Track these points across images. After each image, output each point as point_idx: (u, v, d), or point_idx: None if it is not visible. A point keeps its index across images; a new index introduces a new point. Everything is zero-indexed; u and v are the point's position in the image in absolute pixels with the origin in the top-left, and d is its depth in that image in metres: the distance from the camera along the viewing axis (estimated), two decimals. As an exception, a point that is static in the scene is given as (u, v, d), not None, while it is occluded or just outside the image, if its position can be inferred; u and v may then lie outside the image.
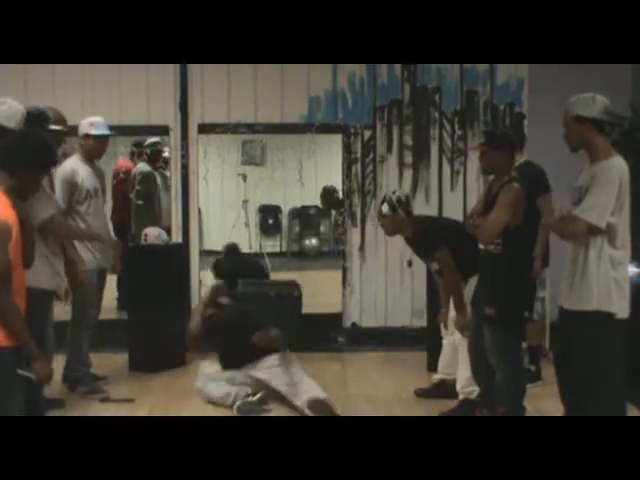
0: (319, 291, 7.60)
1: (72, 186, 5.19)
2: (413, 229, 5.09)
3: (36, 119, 4.24)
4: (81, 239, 5.03)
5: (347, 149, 6.84)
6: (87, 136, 5.32)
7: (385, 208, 5.05)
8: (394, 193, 5.23)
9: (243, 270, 7.29)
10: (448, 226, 5.30)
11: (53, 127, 4.47)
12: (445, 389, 5.23)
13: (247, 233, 9.49)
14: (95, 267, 5.25)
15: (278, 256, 9.52)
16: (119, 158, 7.60)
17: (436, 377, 5.42)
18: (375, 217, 6.72)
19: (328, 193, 8.46)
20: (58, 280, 4.39)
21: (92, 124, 5.32)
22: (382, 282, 6.91)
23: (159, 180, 7.36)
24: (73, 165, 5.29)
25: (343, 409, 4.94)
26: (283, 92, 6.74)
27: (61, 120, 4.77)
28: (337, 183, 7.33)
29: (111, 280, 6.70)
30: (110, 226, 6.24)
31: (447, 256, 4.90)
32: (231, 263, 7.50)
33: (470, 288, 4.70)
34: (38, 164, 3.41)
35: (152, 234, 6.22)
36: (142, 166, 7.39)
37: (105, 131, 5.41)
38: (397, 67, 6.80)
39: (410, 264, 6.66)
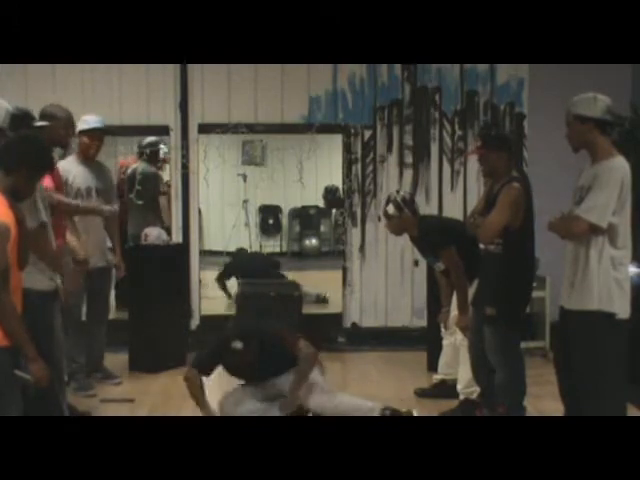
0: (319, 291, 7.61)
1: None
2: (419, 228, 5.09)
3: (20, 119, 4.14)
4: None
5: (347, 149, 6.84)
6: (79, 134, 5.29)
7: (391, 209, 5.02)
8: (398, 193, 5.23)
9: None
10: (454, 226, 5.29)
11: (39, 124, 4.27)
12: (445, 389, 5.23)
13: (247, 233, 9.49)
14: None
15: (278, 256, 9.51)
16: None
17: (436, 377, 5.42)
18: (375, 217, 6.76)
19: (330, 192, 8.46)
20: (55, 280, 4.36)
21: (84, 121, 5.29)
22: (382, 282, 6.91)
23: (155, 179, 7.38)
24: (64, 164, 5.22)
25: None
26: (283, 92, 6.74)
27: (50, 115, 4.72)
28: (337, 183, 7.34)
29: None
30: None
31: (455, 255, 4.89)
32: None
33: (472, 289, 4.70)
34: (34, 167, 3.40)
35: (152, 234, 6.22)
36: (143, 166, 7.39)
37: (94, 125, 5.34)
38: (397, 67, 6.80)
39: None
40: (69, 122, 4.89)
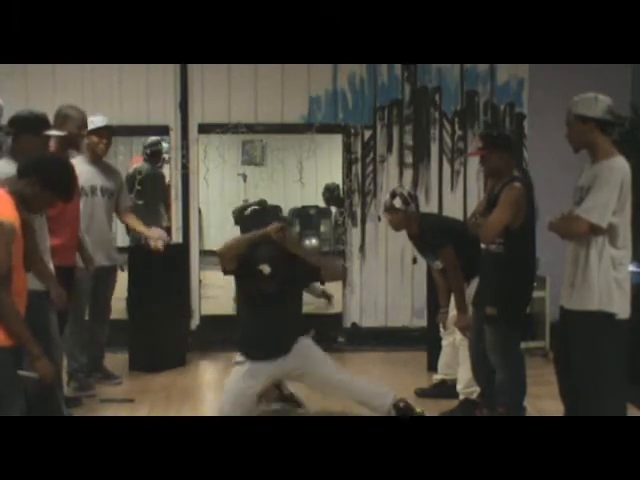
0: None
1: None
2: (419, 226, 5.09)
3: (29, 124, 4.14)
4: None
5: (347, 149, 6.84)
6: (87, 133, 5.32)
7: (398, 202, 5.02)
8: (402, 187, 5.26)
9: None
10: (454, 226, 5.29)
11: (49, 132, 4.24)
12: (445, 389, 5.24)
13: (247, 233, 9.48)
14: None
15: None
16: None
17: (436, 377, 5.42)
18: (375, 217, 6.76)
19: (330, 190, 8.44)
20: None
21: (91, 122, 5.33)
22: (382, 282, 6.91)
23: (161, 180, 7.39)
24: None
25: (343, 409, 4.94)
26: (283, 92, 6.74)
27: (64, 116, 4.78)
28: (337, 182, 7.33)
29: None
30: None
31: (452, 255, 4.90)
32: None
33: (472, 289, 4.71)
34: (45, 180, 3.36)
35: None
36: (143, 166, 7.41)
37: (101, 125, 5.39)
38: (397, 67, 6.80)
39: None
40: (83, 123, 4.95)
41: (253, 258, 4.52)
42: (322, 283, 4.84)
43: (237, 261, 4.54)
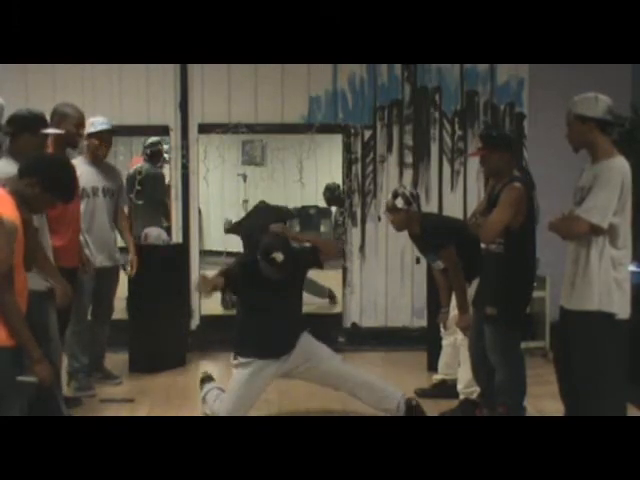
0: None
1: None
2: (421, 226, 5.09)
3: (26, 123, 4.14)
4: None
5: (347, 149, 6.84)
6: (89, 136, 5.32)
7: (400, 202, 5.02)
8: (405, 187, 5.27)
9: None
10: (455, 226, 5.29)
11: (46, 131, 4.23)
12: (445, 389, 5.24)
13: (247, 233, 9.46)
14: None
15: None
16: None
17: (436, 377, 5.42)
18: (375, 217, 6.77)
19: (331, 190, 8.45)
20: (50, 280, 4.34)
21: (92, 123, 5.33)
22: (382, 282, 6.91)
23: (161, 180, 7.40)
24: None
25: (343, 409, 4.94)
26: (283, 92, 6.74)
27: (61, 114, 4.78)
28: (337, 182, 7.33)
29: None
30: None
31: (453, 256, 4.90)
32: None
33: (473, 289, 4.71)
34: (45, 182, 3.36)
35: (152, 234, 6.23)
36: (143, 166, 7.41)
37: (101, 127, 5.38)
38: (397, 67, 6.80)
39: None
40: (80, 121, 4.94)
41: (267, 247, 4.52)
42: (321, 267, 4.83)
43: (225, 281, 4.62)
